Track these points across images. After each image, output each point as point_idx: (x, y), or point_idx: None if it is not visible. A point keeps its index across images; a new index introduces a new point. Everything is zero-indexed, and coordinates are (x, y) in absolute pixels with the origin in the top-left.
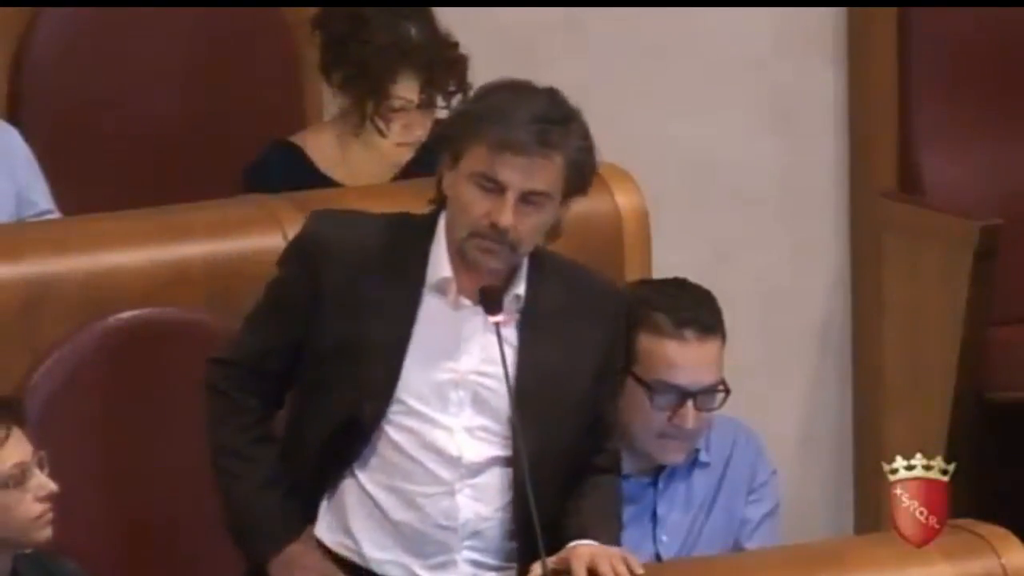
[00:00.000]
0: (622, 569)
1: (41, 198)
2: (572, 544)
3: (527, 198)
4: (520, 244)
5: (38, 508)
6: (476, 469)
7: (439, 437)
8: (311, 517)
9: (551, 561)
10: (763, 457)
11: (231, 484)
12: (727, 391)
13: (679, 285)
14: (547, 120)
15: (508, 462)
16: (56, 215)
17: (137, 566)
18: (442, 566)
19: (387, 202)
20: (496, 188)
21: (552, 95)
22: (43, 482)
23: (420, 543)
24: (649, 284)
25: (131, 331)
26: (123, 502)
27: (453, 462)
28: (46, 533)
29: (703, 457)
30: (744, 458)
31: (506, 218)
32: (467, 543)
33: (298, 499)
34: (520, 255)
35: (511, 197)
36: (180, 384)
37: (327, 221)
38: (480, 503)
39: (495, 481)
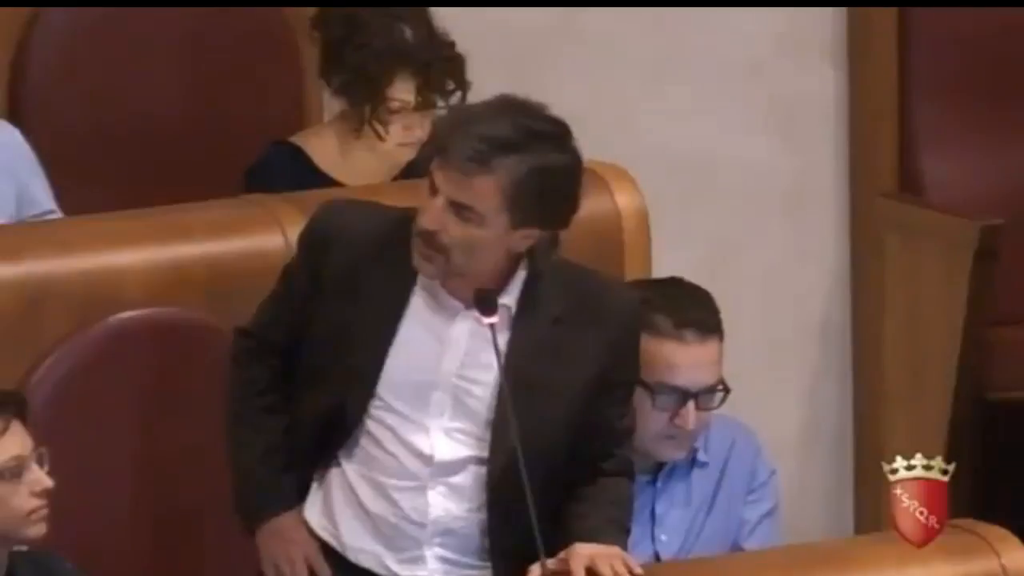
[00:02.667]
0: (621, 569)
1: (43, 197)
2: (574, 545)
3: (457, 209)
4: (451, 252)
5: (32, 503)
6: (449, 469)
7: (415, 435)
8: (305, 497)
9: (550, 563)
10: (762, 457)
11: (234, 450)
12: (727, 390)
13: (676, 285)
14: (492, 142)
15: (484, 463)
16: (58, 214)
17: (136, 564)
18: (412, 560)
19: (387, 202)
20: (432, 191)
21: (524, 119)
22: (39, 477)
23: (392, 536)
24: (646, 285)
25: (131, 331)
26: (123, 501)
27: (425, 460)
28: (39, 529)
29: (701, 457)
30: (743, 458)
31: (425, 219)
32: (437, 540)
33: (295, 475)
34: (457, 266)
35: (438, 202)
36: (180, 383)
37: (337, 211)
38: (452, 502)
39: (469, 481)
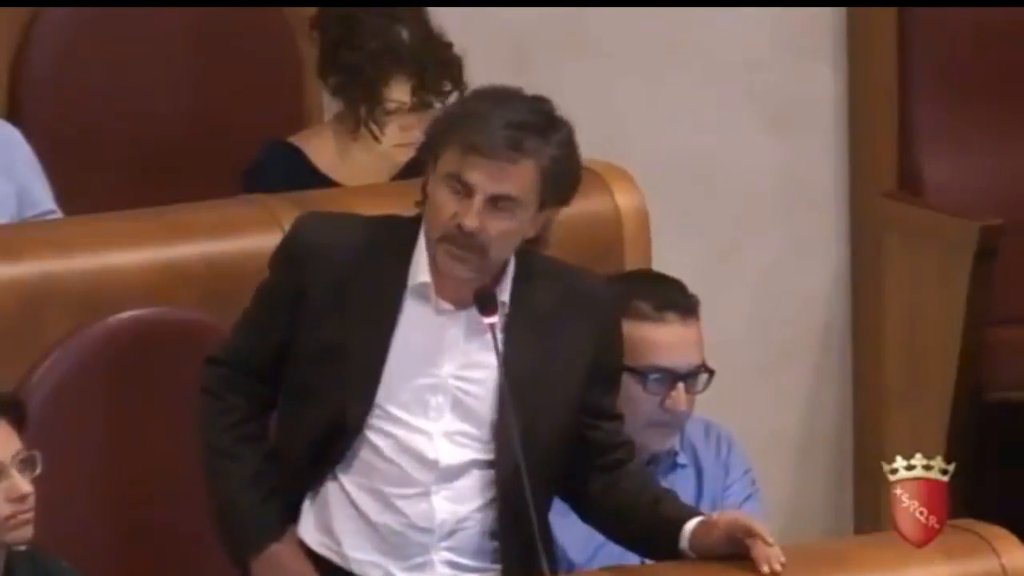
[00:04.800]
0: (776, 552)
1: (43, 198)
2: (731, 513)
3: (495, 202)
4: (488, 248)
5: (8, 510)
6: (453, 473)
7: (418, 441)
8: (294, 518)
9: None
10: (735, 454)
11: (216, 483)
12: (711, 372)
13: (648, 274)
14: (521, 126)
15: (487, 465)
16: (58, 214)
17: (135, 566)
18: (419, 567)
19: (386, 202)
20: (465, 190)
21: (535, 102)
22: (16, 483)
23: (398, 544)
24: (620, 278)
25: (131, 331)
26: (122, 502)
27: (430, 465)
28: (20, 534)
29: (681, 460)
30: (718, 458)
31: (471, 220)
32: (444, 544)
33: (282, 499)
34: (491, 261)
35: (478, 200)
36: (180, 384)
37: (314, 224)
38: (457, 505)
39: (473, 483)
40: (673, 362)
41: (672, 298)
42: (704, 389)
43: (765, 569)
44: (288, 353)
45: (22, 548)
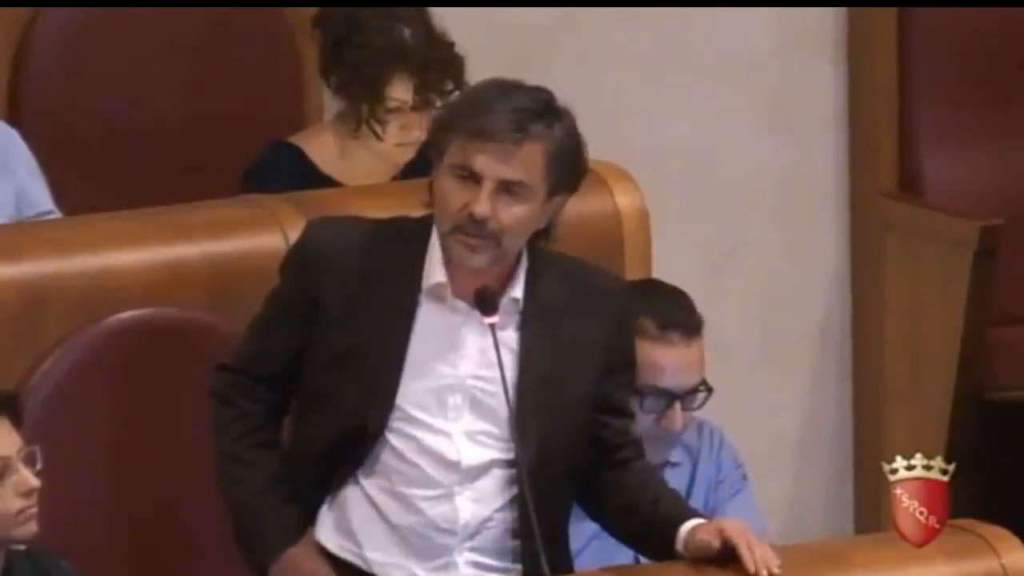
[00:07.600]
0: (769, 554)
1: (42, 198)
2: (702, 523)
3: (505, 187)
4: (503, 236)
5: (18, 504)
6: (476, 473)
7: (438, 442)
8: (312, 522)
9: (702, 535)
10: (726, 450)
11: (232, 489)
12: (709, 390)
13: (654, 287)
14: (525, 110)
15: (509, 464)
16: (57, 215)
17: (137, 564)
18: (443, 568)
19: (387, 202)
20: (472, 178)
21: (536, 91)
22: (24, 478)
23: (421, 546)
24: (629, 288)
25: (131, 331)
26: (124, 501)
27: (452, 466)
28: (28, 529)
29: (674, 458)
30: (710, 455)
31: (482, 207)
32: (467, 545)
33: (299, 504)
34: (505, 250)
35: (487, 186)
36: (180, 384)
37: (325, 229)
38: (480, 505)
39: (495, 483)
40: (672, 383)
41: (677, 318)
42: (701, 406)
43: (764, 573)
44: (302, 359)
45: (21, 547)
